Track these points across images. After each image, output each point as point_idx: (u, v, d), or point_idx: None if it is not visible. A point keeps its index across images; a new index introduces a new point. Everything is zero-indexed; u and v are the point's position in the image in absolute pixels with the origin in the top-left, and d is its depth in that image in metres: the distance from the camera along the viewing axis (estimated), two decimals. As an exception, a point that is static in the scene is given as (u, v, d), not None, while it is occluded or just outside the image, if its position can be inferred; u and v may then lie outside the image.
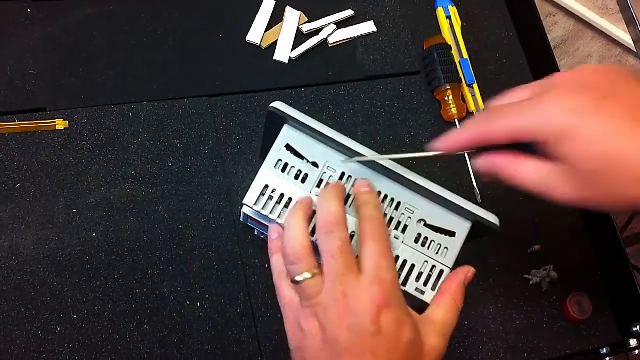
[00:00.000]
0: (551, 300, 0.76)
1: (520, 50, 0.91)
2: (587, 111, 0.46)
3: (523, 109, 0.49)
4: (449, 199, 0.57)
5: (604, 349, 0.76)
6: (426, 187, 0.57)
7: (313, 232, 0.55)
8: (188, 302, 0.69)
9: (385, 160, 0.57)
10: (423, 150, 0.56)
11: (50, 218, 0.70)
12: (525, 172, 0.50)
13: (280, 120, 0.59)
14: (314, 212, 0.55)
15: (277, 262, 0.56)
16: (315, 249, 0.52)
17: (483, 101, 0.84)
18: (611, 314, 0.77)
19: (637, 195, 0.45)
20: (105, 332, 0.66)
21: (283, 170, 0.58)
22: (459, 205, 0.57)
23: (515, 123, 0.49)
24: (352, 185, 0.57)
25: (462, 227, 0.58)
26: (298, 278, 0.51)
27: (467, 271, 0.57)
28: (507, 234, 0.77)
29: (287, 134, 0.59)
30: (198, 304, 0.69)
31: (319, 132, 0.57)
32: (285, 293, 0.54)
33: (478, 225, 0.58)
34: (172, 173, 0.74)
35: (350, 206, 0.57)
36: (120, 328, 0.67)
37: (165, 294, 0.69)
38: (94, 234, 0.70)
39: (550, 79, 0.51)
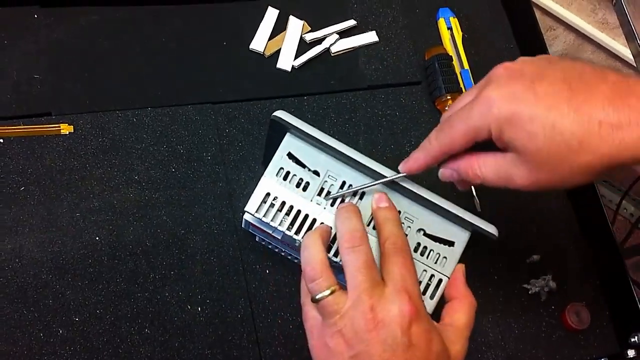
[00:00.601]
0: (549, 309, 0.77)
1: (521, 62, 0.91)
2: (521, 95, 0.48)
3: (467, 110, 0.51)
4: (448, 208, 0.58)
5: None
6: (425, 196, 0.58)
7: (331, 253, 0.56)
8: (189, 307, 0.69)
9: (383, 172, 0.57)
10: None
11: (54, 221, 0.70)
12: (485, 167, 0.52)
13: (283, 128, 0.60)
14: (329, 236, 0.56)
15: (303, 284, 0.56)
16: (333, 268, 0.53)
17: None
18: (609, 324, 0.78)
19: (587, 161, 0.47)
20: (107, 335, 0.67)
21: (285, 179, 0.59)
22: (457, 215, 0.57)
23: (465, 126, 0.51)
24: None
25: (461, 237, 0.59)
26: (318, 296, 0.51)
27: (462, 270, 0.59)
28: (506, 244, 0.78)
29: (288, 143, 0.60)
30: (199, 308, 0.70)
31: (320, 141, 0.58)
32: (309, 314, 0.54)
33: (477, 234, 0.59)
34: (174, 178, 0.75)
35: (368, 225, 0.58)
36: (121, 331, 0.67)
37: (167, 298, 0.69)
38: (97, 238, 0.70)
39: (488, 75, 0.53)
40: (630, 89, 0.46)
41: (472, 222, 0.58)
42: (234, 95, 0.81)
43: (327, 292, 0.50)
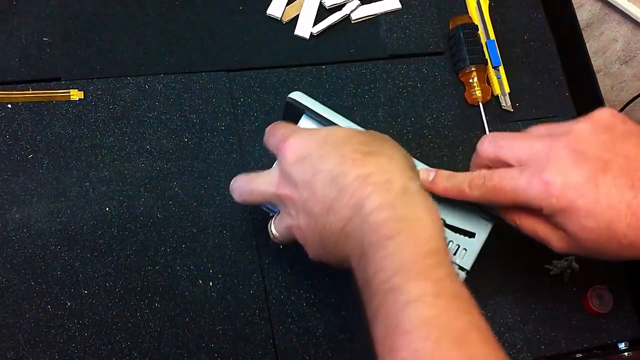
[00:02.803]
0: (571, 292, 0.75)
1: (549, 32, 0.88)
2: (582, 187, 0.48)
3: (522, 184, 0.51)
4: None
5: (623, 344, 0.74)
6: None
7: None
8: (200, 281, 0.68)
9: None
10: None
11: (63, 191, 0.68)
12: (522, 221, 0.55)
13: (298, 110, 0.57)
14: None
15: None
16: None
17: (509, 84, 0.81)
18: (632, 308, 0.76)
19: (633, 255, 0.49)
20: (116, 308, 0.65)
21: None
22: (480, 205, 0.55)
23: (514, 198, 0.52)
24: None
25: (483, 228, 0.57)
26: None
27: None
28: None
29: (305, 126, 0.58)
30: (210, 283, 0.68)
31: (336, 125, 0.56)
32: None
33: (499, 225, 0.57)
34: (187, 149, 0.73)
35: None
36: (130, 305, 0.66)
37: (178, 272, 0.68)
38: (107, 209, 0.69)
39: (547, 143, 0.52)
40: None
41: (496, 214, 0.55)
42: (250, 63, 0.78)
43: None
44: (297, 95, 0.56)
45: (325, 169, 0.49)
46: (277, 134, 0.54)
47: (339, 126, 0.55)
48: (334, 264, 0.53)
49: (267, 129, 0.56)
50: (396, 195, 0.47)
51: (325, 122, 0.57)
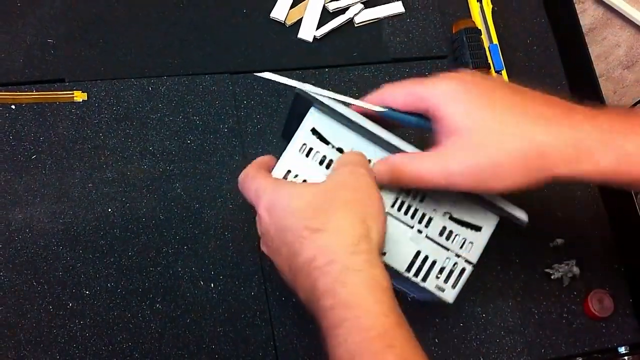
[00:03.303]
0: (571, 296, 0.75)
1: (552, 37, 0.88)
2: (475, 84, 0.54)
3: (424, 79, 0.56)
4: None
5: (623, 348, 0.74)
6: None
7: None
8: (202, 283, 0.68)
9: (410, 149, 0.55)
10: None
11: (66, 192, 0.69)
12: (419, 161, 0.53)
13: (307, 102, 0.57)
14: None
15: None
16: None
17: (511, 89, 0.81)
18: (632, 313, 0.75)
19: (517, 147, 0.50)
20: (117, 309, 0.66)
21: (307, 155, 0.56)
22: (486, 199, 0.55)
23: (415, 87, 0.55)
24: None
25: (489, 222, 0.57)
26: None
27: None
28: (530, 227, 0.75)
29: (313, 118, 0.57)
30: (212, 284, 0.68)
31: (346, 117, 0.55)
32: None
33: (505, 219, 0.57)
34: (190, 150, 0.73)
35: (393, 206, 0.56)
36: (132, 306, 0.66)
37: (179, 273, 0.68)
38: (109, 210, 0.69)
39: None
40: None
41: (502, 206, 0.55)
42: (253, 66, 0.78)
43: None
44: (307, 87, 0.56)
45: (285, 244, 0.51)
46: (249, 192, 0.56)
47: (301, 186, 0.54)
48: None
49: (240, 180, 0.58)
50: (336, 279, 0.47)
51: (334, 114, 0.56)
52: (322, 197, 0.51)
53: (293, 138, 0.57)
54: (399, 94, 0.56)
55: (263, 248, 0.56)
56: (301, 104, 0.58)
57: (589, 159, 0.50)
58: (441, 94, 0.53)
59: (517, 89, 0.54)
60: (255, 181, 0.55)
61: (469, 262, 0.56)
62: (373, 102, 0.58)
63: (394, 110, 0.57)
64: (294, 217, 0.50)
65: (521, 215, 0.56)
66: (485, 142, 0.50)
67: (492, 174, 0.51)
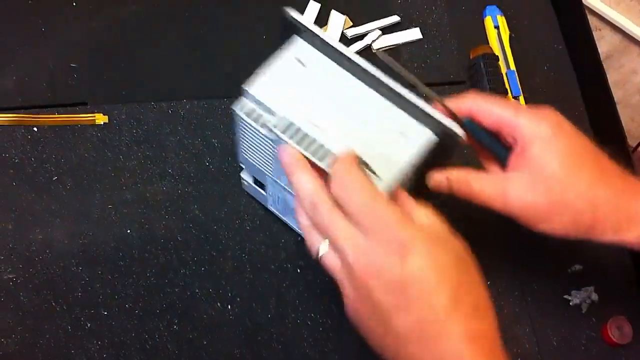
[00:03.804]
0: (590, 322, 0.74)
1: (569, 63, 0.88)
2: (572, 138, 0.56)
3: (520, 107, 0.58)
4: (414, 102, 0.54)
5: (643, 375, 0.73)
6: (396, 89, 0.54)
7: None
8: (219, 304, 0.68)
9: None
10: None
11: (86, 212, 0.70)
12: (480, 181, 0.56)
13: (292, 30, 0.56)
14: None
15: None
16: None
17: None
18: (652, 340, 0.75)
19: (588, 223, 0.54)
20: (135, 330, 0.66)
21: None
22: (423, 111, 0.53)
23: (510, 112, 0.56)
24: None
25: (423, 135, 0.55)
26: (320, 252, 0.49)
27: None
28: (548, 252, 0.75)
29: (298, 47, 0.56)
30: (229, 306, 0.68)
31: (337, 50, 0.54)
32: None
33: (444, 139, 0.55)
34: (208, 172, 0.74)
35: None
36: (150, 327, 0.66)
37: (197, 294, 0.68)
38: (128, 231, 0.70)
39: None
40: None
41: (439, 119, 0.53)
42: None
43: (326, 244, 0.49)
44: (294, 13, 0.54)
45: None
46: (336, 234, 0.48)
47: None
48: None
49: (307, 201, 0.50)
50: None
51: (324, 46, 0.54)
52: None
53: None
54: (488, 112, 0.57)
55: (357, 306, 0.48)
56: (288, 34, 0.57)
57: (636, 228, 0.54)
58: (536, 134, 0.55)
59: (600, 155, 0.56)
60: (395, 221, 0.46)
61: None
62: (458, 108, 0.58)
63: (473, 122, 0.58)
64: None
65: (457, 130, 0.53)
66: (553, 190, 0.54)
67: (546, 219, 0.55)
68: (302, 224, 0.51)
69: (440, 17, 0.87)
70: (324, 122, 0.53)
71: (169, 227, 0.70)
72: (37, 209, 0.69)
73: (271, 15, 0.83)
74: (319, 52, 0.56)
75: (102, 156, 0.72)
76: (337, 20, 0.84)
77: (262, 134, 0.55)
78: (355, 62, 0.55)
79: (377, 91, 0.56)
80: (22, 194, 0.70)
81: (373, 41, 0.83)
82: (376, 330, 0.47)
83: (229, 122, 0.76)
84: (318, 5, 0.84)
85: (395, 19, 0.85)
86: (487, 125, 0.58)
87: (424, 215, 0.49)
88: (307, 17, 0.83)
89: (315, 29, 0.55)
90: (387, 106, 0.56)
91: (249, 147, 0.60)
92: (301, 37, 0.56)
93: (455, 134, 0.53)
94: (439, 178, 0.57)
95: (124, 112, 0.75)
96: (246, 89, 0.55)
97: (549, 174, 0.54)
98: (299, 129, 0.52)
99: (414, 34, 0.85)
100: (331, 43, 0.54)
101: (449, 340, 0.44)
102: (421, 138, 0.55)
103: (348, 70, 0.56)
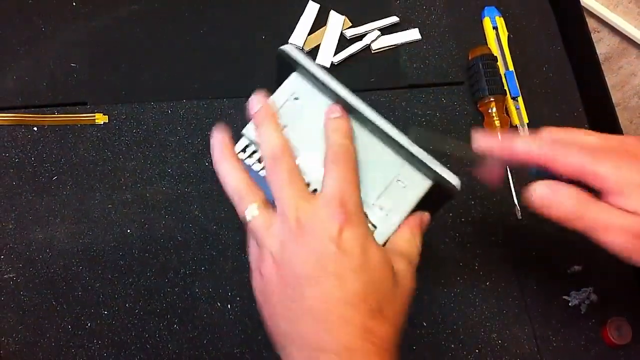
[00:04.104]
0: (589, 323, 0.74)
1: (568, 64, 0.88)
2: None
3: (599, 153, 0.49)
4: (413, 152, 0.52)
5: (642, 376, 0.73)
6: (394, 137, 0.52)
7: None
8: (219, 304, 0.68)
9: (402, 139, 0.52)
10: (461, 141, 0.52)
11: (86, 212, 0.70)
12: (611, 226, 0.49)
13: (289, 67, 0.55)
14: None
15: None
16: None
17: (527, 115, 0.82)
18: (651, 340, 0.75)
19: None
20: (135, 329, 0.66)
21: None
22: (421, 160, 0.52)
23: (590, 161, 0.49)
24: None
25: (421, 183, 0.53)
26: (248, 216, 0.47)
27: (422, 214, 0.53)
28: (548, 253, 0.75)
29: (295, 83, 0.55)
30: (229, 305, 0.68)
31: (329, 88, 0.53)
32: (250, 248, 0.50)
33: (438, 186, 0.53)
34: (208, 172, 0.74)
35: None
36: (150, 326, 0.66)
37: (197, 294, 0.68)
38: (128, 231, 0.70)
39: (620, 140, 0.51)
40: None
41: (436, 169, 0.51)
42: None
43: (255, 210, 0.47)
44: (290, 48, 0.53)
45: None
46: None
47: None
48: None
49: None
50: None
51: (317, 82, 0.53)
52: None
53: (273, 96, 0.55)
54: (566, 160, 0.50)
55: (263, 263, 0.48)
56: (285, 70, 0.56)
57: None
58: (625, 185, 0.48)
59: None
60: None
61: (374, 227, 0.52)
62: (528, 153, 0.52)
63: (543, 171, 0.52)
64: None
65: (454, 180, 0.52)
66: None
67: None
68: (240, 182, 0.49)
69: (439, 18, 0.88)
70: (315, 164, 0.52)
71: (169, 227, 0.70)
72: (38, 209, 0.69)
73: (271, 16, 0.84)
74: (315, 90, 0.55)
75: (102, 156, 0.72)
76: (336, 20, 0.84)
77: (256, 170, 0.54)
78: (355, 107, 0.53)
79: (374, 134, 0.54)
80: (22, 194, 0.70)
81: (372, 41, 0.83)
82: (281, 301, 0.46)
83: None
84: (317, 6, 0.85)
85: (394, 19, 0.85)
86: (565, 175, 0.51)
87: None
88: (325, 40, 0.83)
89: (313, 67, 0.53)
90: (383, 150, 0.54)
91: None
92: (299, 74, 0.55)
93: (453, 186, 0.52)
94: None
95: (124, 112, 0.75)
96: (243, 132, 0.54)
97: None
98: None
99: (412, 34, 0.85)
100: (328, 83, 0.53)
101: (347, 326, 0.43)
102: (418, 187, 0.53)
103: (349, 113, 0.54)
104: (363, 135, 0.54)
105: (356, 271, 0.44)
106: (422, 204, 0.53)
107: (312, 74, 0.53)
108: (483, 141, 0.53)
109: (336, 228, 0.44)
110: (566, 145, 0.51)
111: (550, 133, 0.53)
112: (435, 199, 0.54)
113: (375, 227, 0.50)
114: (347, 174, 0.48)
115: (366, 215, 0.50)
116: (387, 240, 0.50)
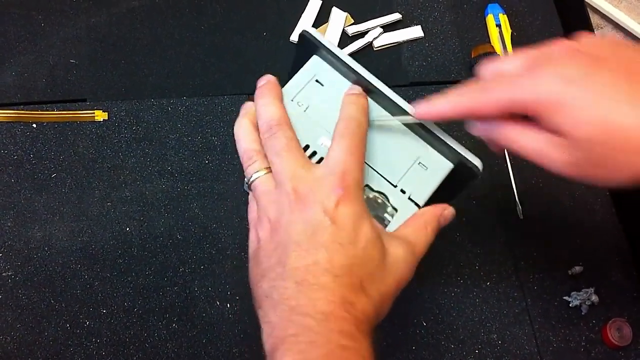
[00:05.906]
0: (590, 324, 0.74)
1: (571, 62, 0.88)
2: (579, 77, 0.43)
3: (513, 81, 0.46)
4: (435, 132, 0.52)
5: (643, 378, 0.73)
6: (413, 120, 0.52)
7: None
8: (218, 303, 0.68)
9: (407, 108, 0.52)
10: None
11: (85, 210, 0.69)
12: (524, 139, 0.46)
13: (309, 52, 0.55)
14: None
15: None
16: None
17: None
18: (652, 341, 0.75)
19: (636, 162, 0.42)
20: (134, 328, 0.66)
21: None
22: (443, 141, 0.52)
23: (504, 96, 0.46)
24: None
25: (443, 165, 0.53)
26: (252, 177, 0.48)
27: (445, 208, 0.52)
28: (549, 253, 0.75)
29: (317, 66, 0.54)
30: (228, 305, 0.68)
31: (354, 70, 0.53)
32: (250, 207, 0.51)
33: (461, 167, 0.53)
34: (208, 170, 0.73)
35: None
36: (149, 325, 0.66)
37: (196, 293, 0.68)
38: (127, 229, 0.69)
39: (544, 48, 0.48)
40: None
41: (458, 150, 0.52)
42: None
43: (259, 173, 0.48)
44: (312, 31, 0.53)
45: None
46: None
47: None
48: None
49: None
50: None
51: (341, 65, 0.53)
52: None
53: (288, 86, 0.55)
54: (488, 104, 0.47)
55: (260, 226, 0.48)
56: (305, 53, 0.55)
57: None
58: (545, 98, 0.44)
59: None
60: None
61: (416, 205, 0.52)
62: (445, 111, 0.49)
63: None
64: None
65: (476, 161, 0.52)
66: (594, 157, 0.44)
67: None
68: (249, 146, 0.50)
69: (442, 15, 0.87)
70: None
71: (168, 225, 0.70)
72: (36, 206, 0.69)
73: (272, 12, 0.83)
74: (337, 73, 0.55)
75: (102, 153, 0.72)
76: (339, 17, 0.84)
77: None
78: (377, 88, 0.53)
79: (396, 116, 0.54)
80: (21, 191, 0.70)
81: (374, 39, 0.83)
82: (269, 265, 0.46)
83: (229, 120, 0.76)
84: (319, 3, 0.84)
85: (396, 16, 0.85)
86: (498, 115, 0.48)
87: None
88: (327, 37, 0.83)
89: (337, 51, 0.54)
90: (404, 133, 0.54)
91: None
92: (320, 57, 0.55)
93: (475, 166, 0.52)
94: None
95: (124, 109, 0.75)
96: None
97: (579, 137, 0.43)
98: (314, 153, 0.52)
99: (415, 32, 0.85)
100: (352, 65, 0.53)
101: (326, 293, 0.43)
102: (440, 169, 0.53)
103: (370, 94, 0.54)
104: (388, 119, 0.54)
105: (345, 245, 0.44)
106: (444, 188, 0.53)
107: (335, 55, 0.53)
108: (419, 109, 0.51)
109: (333, 202, 0.45)
110: (482, 86, 0.48)
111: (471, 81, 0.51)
112: (457, 182, 0.54)
113: (396, 210, 0.51)
114: (353, 148, 0.48)
115: (387, 199, 0.50)
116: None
